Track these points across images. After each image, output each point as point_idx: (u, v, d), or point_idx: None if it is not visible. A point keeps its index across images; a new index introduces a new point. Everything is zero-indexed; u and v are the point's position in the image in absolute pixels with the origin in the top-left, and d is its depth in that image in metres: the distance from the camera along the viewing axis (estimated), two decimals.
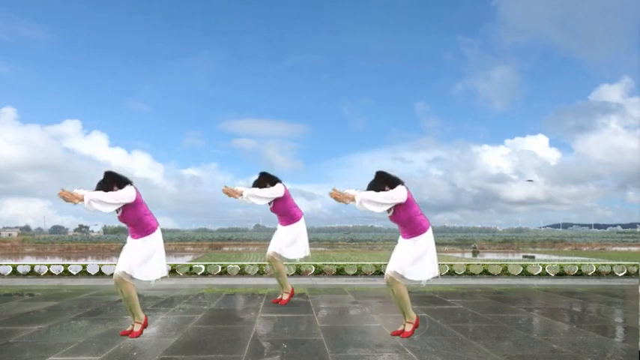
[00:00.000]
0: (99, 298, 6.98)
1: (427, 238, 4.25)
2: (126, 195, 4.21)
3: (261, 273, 9.89)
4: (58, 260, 26.62)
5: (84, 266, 10.33)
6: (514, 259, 27.69)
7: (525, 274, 10.35)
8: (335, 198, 4.06)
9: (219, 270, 10.20)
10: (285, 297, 6.18)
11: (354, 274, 9.99)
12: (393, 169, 4.54)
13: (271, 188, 5.72)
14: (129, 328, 4.54)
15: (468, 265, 10.57)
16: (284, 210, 5.88)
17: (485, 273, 10.36)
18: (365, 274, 9.96)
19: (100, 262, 11.07)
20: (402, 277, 4.21)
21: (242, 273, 9.94)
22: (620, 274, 10.35)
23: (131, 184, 4.30)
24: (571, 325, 5.22)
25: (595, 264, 10.80)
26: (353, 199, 4.04)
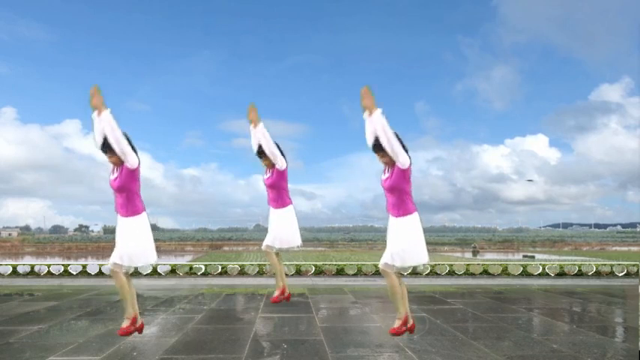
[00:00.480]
0: (99, 298, 6.98)
1: (416, 220, 4.16)
2: (130, 154, 4.14)
3: (261, 273, 9.89)
4: (58, 260, 26.63)
5: (84, 266, 10.33)
6: (514, 259, 27.70)
7: (525, 274, 10.35)
8: (364, 94, 3.90)
9: (219, 270, 10.20)
10: (276, 294, 6.01)
11: (354, 274, 9.99)
12: None
13: (278, 153, 5.45)
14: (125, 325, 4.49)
15: (468, 265, 10.57)
16: (279, 188, 5.60)
17: (485, 273, 10.36)
18: (365, 274, 9.96)
19: (100, 262, 11.07)
20: (393, 266, 4.12)
21: (242, 273, 9.95)
22: (620, 274, 10.35)
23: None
24: (571, 325, 5.22)
25: (595, 264, 10.81)
26: (373, 110, 3.92)
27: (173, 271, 10.18)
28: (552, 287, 8.52)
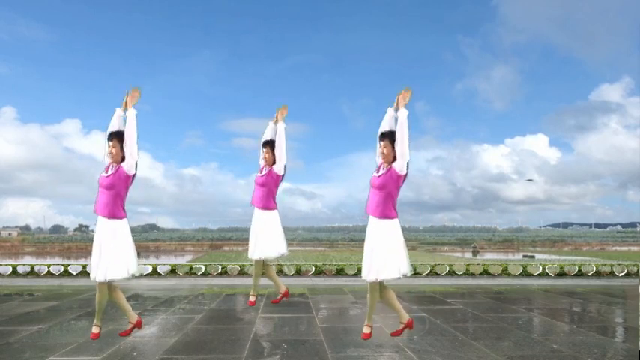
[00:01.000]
0: None
1: (398, 227, 4.10)
2: (135, 157, 4.14)
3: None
4: (58, 260, 26.63)
5: (84, 266, 10.33)
6: (514, 259, 27.69)
7: (525, 274, 10.35)
8: (402, 98, 3.96)
9: (219, 270, 10.20)
10: (252, 299, 5.92)
11: (354, 274, 9.98)
12: None
13: (285, 158, 5.40)
14: (129, 327, 4.49)
15: (468, 265, 10.57)
16: (269, 190, 5.49)
17: (485, 273, 10.36)
18: None
19: None
20: (376, 280, 4.07)
21: (242, 273, 9.95)
22: (620, 274, 10.35)
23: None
24: (571, 325, 5.22)
25: (595, 264, 10.80)
26: (403, 110, 3.97)
27: (173, 271, 10.18)
28: (552, 287, 8.52)
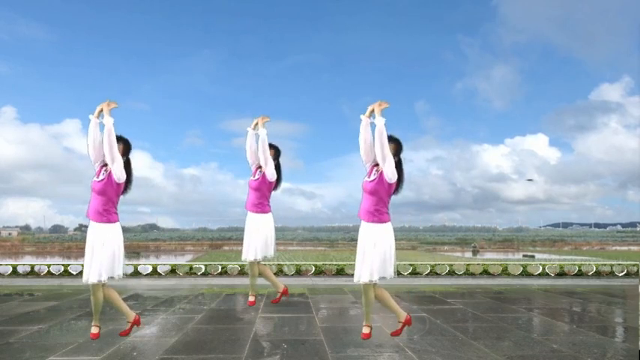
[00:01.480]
0: None
1: (391, 230, 4.12)
2: (119, 163, 4.11)
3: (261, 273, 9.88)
4: (58, 259, 26.63)
5: (84, 266, 10.32)
6: (514, 259, 27.69)
7: (525, 274, 10.35)
8: (378, 105, 3.97)
9: (219, 270, 10.20)
10: (251, 299, 5.93)
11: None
12: None
13: (272, 163, 5.36)
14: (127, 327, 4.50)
15: (468, 264, 10.57)
16: (262, 193, 5.47)
17: (485, 273, 10.36)
18: None
19: None
20: (370, 282, 4.09)
21: (242, 273, 9.94)
22: (620, 274, 10.36)
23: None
24: (571, 325, 5.22)
25: (595, 264, 10.80)
26: (379, 113, 3.96)
27: (173, 271, 10.18)
28: (552, 287, 8.53)
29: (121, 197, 4.23)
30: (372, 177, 4.00)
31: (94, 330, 4.33)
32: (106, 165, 4.14)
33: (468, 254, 39.51)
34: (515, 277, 10.13)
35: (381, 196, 4.00)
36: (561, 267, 10.55)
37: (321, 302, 6.57)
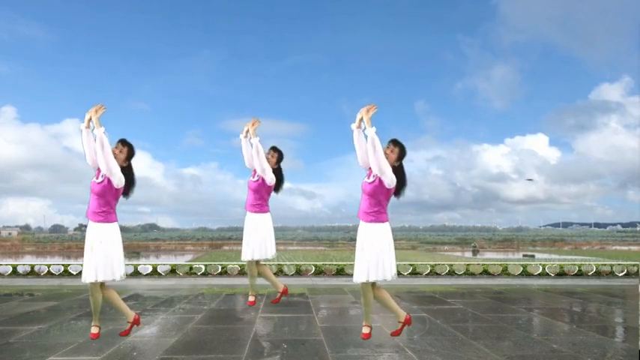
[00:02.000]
0: None
1: (389, 230, 4.11)
2: (117, 174, 4.09)
3: (260, 273, 9.88)
4: (58, 259, 26.64)
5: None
6: (514, 259, 27.70)
7: (525, 274, 10.35)
8: (366, 113, 3.91)
9: (219, 270, 10.20)
10: (251, 299, 5.94)
11: None
12: None
13: (269, 168, 5.36)
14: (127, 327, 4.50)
15: (468, 264, 10.57)
16: (262, 195, 5.48)
17: (485, 273, 10.36)
18: None
19: None
20: (367, 282, 4.09)
21: (242, 273, 9.94)
22: (620, 274, 10.36)
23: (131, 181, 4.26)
24: (571, 325, 5.22)
25: (595, 264, 10.80)
26: (368, 124, 3.92)
27: (173, 271, 10.18)
28: (552, 287, 8.53)
29: (122, 199, 4.25)
30: (372, 179, 4.00)
31: (94, 330, 4.33)
32: None
33: (468, 254, 39.53)
34: (515, 277, 10.13)
35: (380, 199, 4.00)
36: (561, 267, 10.55)
37: (321, 302, 6.57)
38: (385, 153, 4.00)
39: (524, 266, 10.57)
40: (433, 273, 10.29)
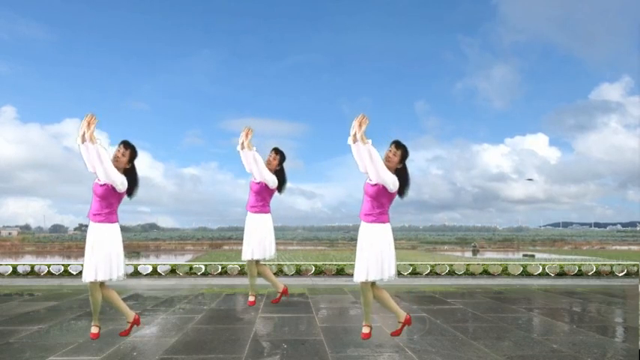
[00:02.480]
0: None
1: (390, 231, 4.11)
2: (120, 183, 4.09)
3: (260, 273, 9.88)
4: (58, 259, 26.64)
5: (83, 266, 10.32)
6: (514, 258, 27.70)
7: (525, 274, 10.35)
8: (358, 127, 3.87)
9: (220, 270, 10.20)
10: (251, 299, 5.95)
11: None
12: None
13: (269, 174, 5.40)
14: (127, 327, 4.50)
15: (468, 264, 10.57)
16: (263, 197, 5.50)
17: (486, 273, 10.36)
18: None
19: None
20: (366, 281, 4.10)
21: (242, 273, 9.93)
22: (620, 274, 10.35)
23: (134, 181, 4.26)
24: (571, 325, 5.22)
25: (595, 264, 10.80)
26: (364, 142, 3.89)
27: (173, 271, 10.18)
28: (552, 287, 8.53)
29: (125, 198, 4.26)
30: (374, 181, 4.00)
31: (94, 330, 4.34)
32: None
33: (468, 254, 39.55)
34: (515, 277, 10.13)
35: (383, 201, 4.01)
36: (561, 267, 10.55)
37: (321, 302, 6.57)
38: (387, 157, 4.00)
39: (524, 266, 10.56)
40: (433, 273, 10.29)
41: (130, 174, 4.20)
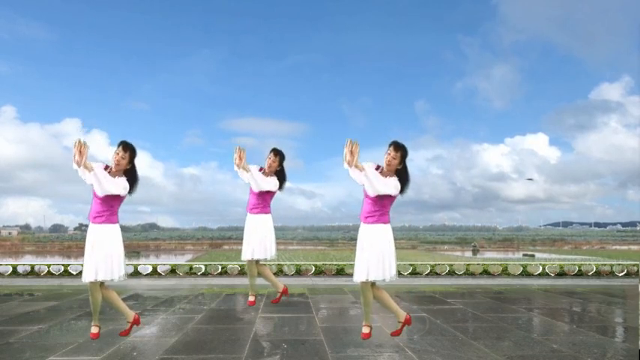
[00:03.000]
0: None
1: (390, 231, 4.12)
2: (119, 189, 4.11)
3: (260, 273, 9.88)
4: (58, 259, 26.64)
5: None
6: (514, 258, 27.71)
7: (525, 274, 10.35)
8: (349, 152, 3.82)
9: (220, 270, 10.20)
10: (251, 299, 5.95)
11: None
12: None
13: (271, 180, 5.43)
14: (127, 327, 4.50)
15: (468, 264, 10.57)
16: (264, 199, 5.51)
17: (485, 273, 10.36)
18: None
19: None
20: (367, 281, 4.10)
21: (242, 273, 9.94)
22: (620, 274, 10.36)
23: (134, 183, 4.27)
24: (571, 325, 5.22)
25: (595, 264, 10.80)
26: (359, 169, 3.87)
27: (173, 271, 10.18)
28: (552, 287, 8.53)
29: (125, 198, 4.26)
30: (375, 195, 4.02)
31: (94, 330, 4.34)
32: (108, 168, 4.16)
33: (468, 254, 39.53)
34: (515, 277, 10.13)
35: (384, 203, 4.01)
36: (561, 267, 10.55)
37: (321, 302, 6.57)
38: (388, 162, 4.01)
39: (524, 266, 10.56)
40: (433, 273, 10.29)
41: (130, 173, 4.21)
